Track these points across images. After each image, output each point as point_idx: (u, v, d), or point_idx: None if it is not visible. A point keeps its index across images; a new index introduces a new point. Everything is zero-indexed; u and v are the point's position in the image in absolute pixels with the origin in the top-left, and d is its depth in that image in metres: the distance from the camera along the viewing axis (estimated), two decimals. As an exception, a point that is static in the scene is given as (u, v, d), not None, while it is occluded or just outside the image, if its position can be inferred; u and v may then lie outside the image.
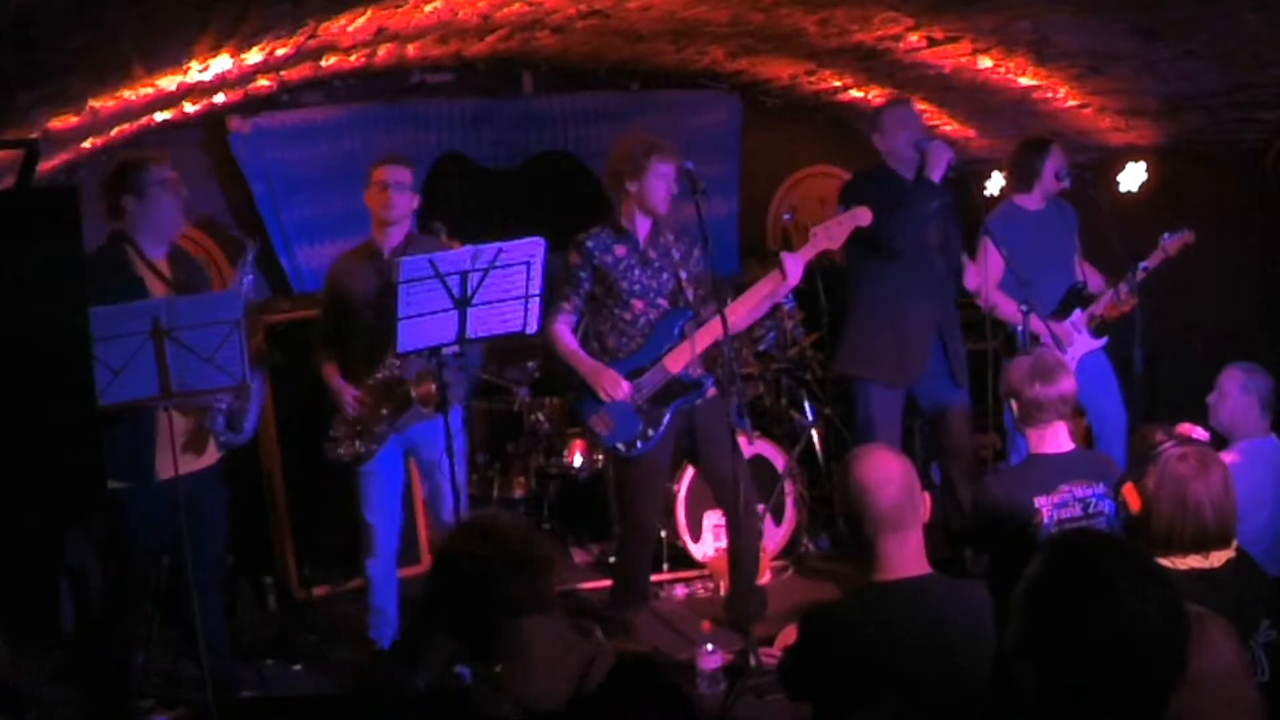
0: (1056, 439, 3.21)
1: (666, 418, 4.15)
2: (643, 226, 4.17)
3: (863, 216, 4.04)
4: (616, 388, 4.07)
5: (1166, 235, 4.43)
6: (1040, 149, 4.60)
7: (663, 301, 4.16)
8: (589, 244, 4.14)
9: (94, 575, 4.03)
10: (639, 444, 4.13)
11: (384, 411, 3.99)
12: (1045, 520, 3.02)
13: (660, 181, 4.05)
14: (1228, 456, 3.36)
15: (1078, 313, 4.55)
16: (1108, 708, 1.59)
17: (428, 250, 3.69)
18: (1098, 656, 1.58)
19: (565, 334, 4.19)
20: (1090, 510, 3.05)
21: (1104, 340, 4.58)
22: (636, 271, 4.13)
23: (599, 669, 1.92)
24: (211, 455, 3.76)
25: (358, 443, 4.02)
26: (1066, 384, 3.20)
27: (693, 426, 4.24)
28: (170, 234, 3.71)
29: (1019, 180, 4.67)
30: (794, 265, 4.04)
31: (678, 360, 4.10)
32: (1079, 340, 4.53)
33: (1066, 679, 1.60)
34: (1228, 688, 1.74)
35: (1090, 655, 1.58)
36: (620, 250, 4.14)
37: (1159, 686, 1.60)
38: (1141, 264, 4.43)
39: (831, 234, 4.05)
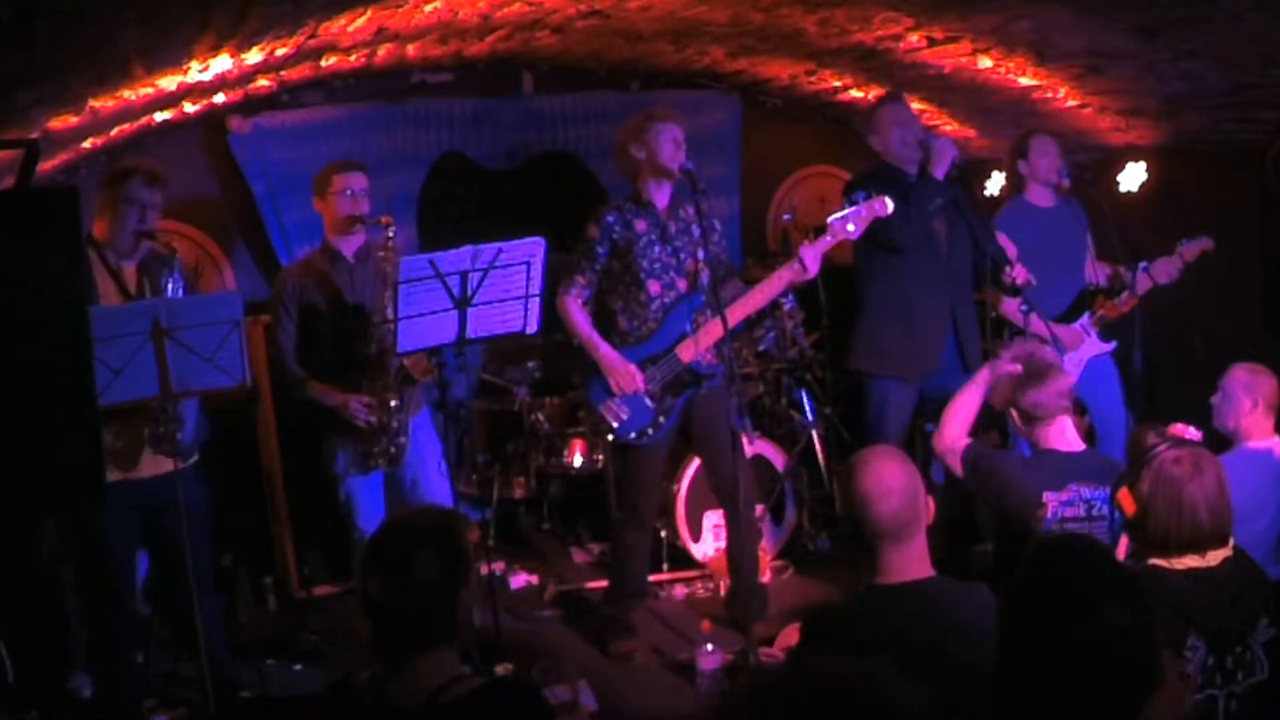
0: (1065, 435, 3.21)
1: (678, 407, 4.14)
2: (661, 198, 4.12)
3: (882, 206, 4.00)
4: (632, 383, 4.05)
5: (1184, 241, 4.41)
6: (1017, 148, 4.62)
7: (681, 283, 4.13)
8: (609, 218, 4.09)
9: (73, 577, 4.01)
10: (650, 433, 4.12)
11: (394, 402, 3.97)
12: (1049, 515, 3.02)
13: (665, 140, 4.01)
14: (1230, 458, 3.36)
15: (1086, 315, 4.54)
16: (1078, 714, 1.61)
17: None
18: (1067, 664, 1.61)
19: (579, 313, 4.13)
20: (1094, 513, 3.05)
21: (1113, 345, 4.58)
22: (656, 249, 4.09)
23: (461, 686, 1.96)
24: (167, 463, 3.58)
25: (391, 447, 3.99)
26: (1061, 382, 3.20)
27: (691, 419, 4.22)
28: (127, 250, 3.60)
29: (1013, 184, 4.69)
30: (812, 258, 4.01)
31: (689, 351, 4.08)
32: (1088, 343, 4.52)
33: (1038, 684, 1.63)
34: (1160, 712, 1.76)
35: (1059, 662, 1.61)
36: (641, 225, 4.09)
37: (1129, 695, 1.62)
38: (1141, 264, 4.43)
39: (849, 224, 4.01)
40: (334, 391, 4.00)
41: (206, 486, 3.84)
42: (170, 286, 3.57)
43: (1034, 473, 3.14)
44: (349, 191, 4.05)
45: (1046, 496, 3.04)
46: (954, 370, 4.37)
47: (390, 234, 3.94)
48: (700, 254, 4.09)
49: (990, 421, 4.90)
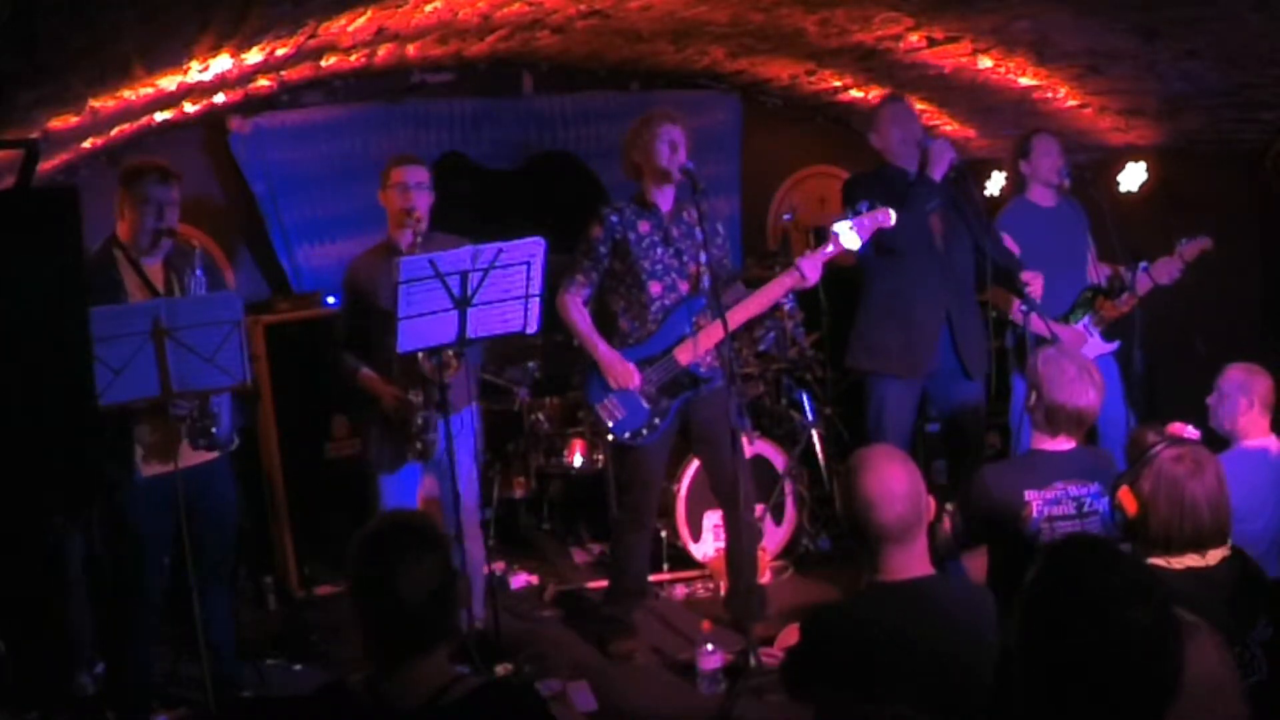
0: (1058, 439, 3.20)
1: (674, 409, 4.14)
2: (664, 201, 4.13)
3: (885, 218, 4.00)
4: (630, 380, 4.06)
5: (1183, 240, 4.41)
6: (1019, 147, 4.60)
7: (683, 285, 4.13)
8: (612, 218, 4.09)
9: (75, 575, 4.01)
10: (645, 433, 4.12)
11: (415, 400, 3.98)
12: (1034, 514, 3.01)
13: (661, 142, 4.01)
14: (1228, 458, 3.36)
15: (1088, 315, 4.54)
16: (1101, 716, 1.60)
17: (443, 248, 3.69)
18: (1089, 666, 1.60)
19: (580, 310, 4.14)
20: (1085, 509, 3.04)
21: (1115, 344, 4.57)
22: (659, 250, 4.09)
23: (460, 688, 1.97)
24: (205, 453, 3.67)
25: (418, 443, 4.00)
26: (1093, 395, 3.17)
27: (691, 420, 4.22)
28: (149, 248, 3.63)
29: (1015, 183, 4.69)
30: (811, 267, 4.01)
31: (687, 353, 4.08)
32: (1091, 343, 4.52)
33: (1060, 686, 1.62)
34: (1215, 698, 1.74)
35: (1082, 664, 1.60)
36: (644, 226, 4.10)
37: (1151, 696, 1.61)
38: (1141, 264, 4.43)
39: (851, 234, 3.99)
40: (381, 382, 4.04)
41: (238, 482, 3.87)
42: (193, 284, 3.60)
43: (1014, 473, 3.12)
44: (403, 184, 4.06)
45: (1029, 495, 3.02)
46: (955, 376, 4.37)
47: (420, 228, 3.97)
48: (702, 257, 4.09)
49: (990, 422, 4.92)
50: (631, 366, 4.06)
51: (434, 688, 1.95)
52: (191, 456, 3.61)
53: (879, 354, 4.37)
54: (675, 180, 4.07)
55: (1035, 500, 3.03)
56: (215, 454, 3.68)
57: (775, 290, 4.09)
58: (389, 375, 4.04)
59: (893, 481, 2.31)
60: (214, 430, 3.58)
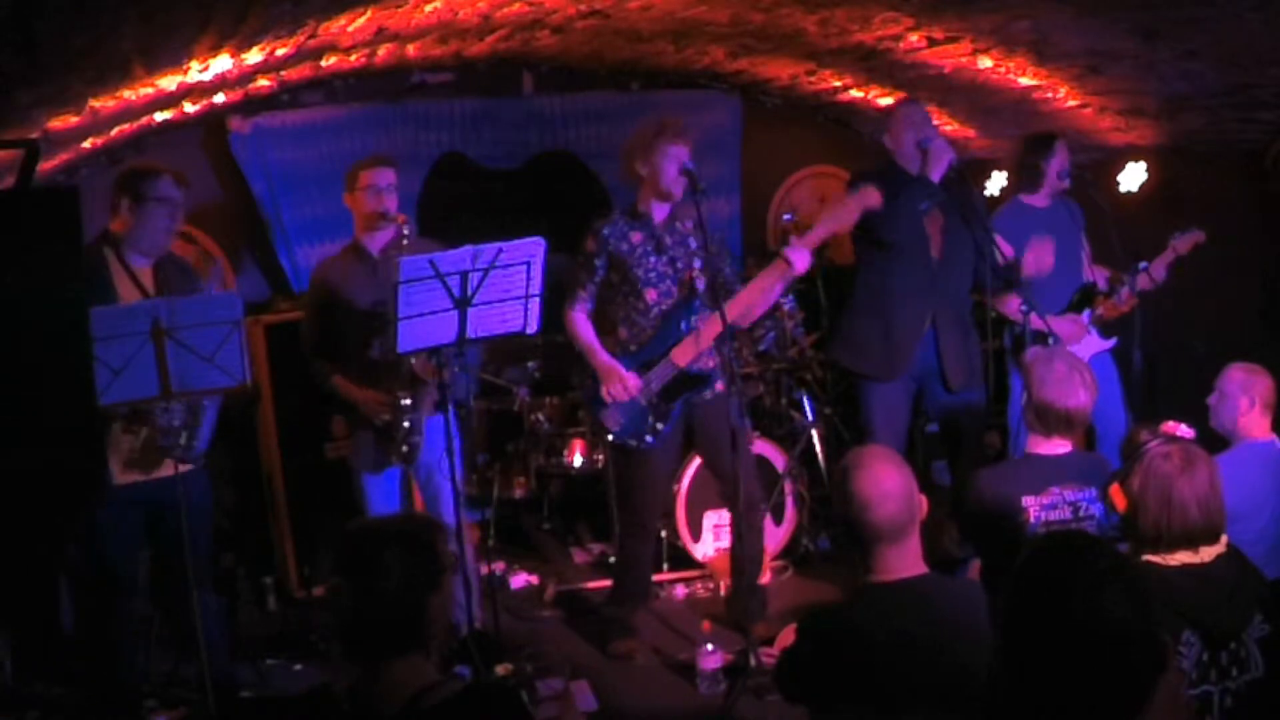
0: (1053, 441, 3.20)
1: (675, 412, 4.15)
2: (659, 212, 4.14)
3: (871, 197, 3.99)
4: (624, 390, 4.07)
5: (1176, 234, 4.43)
6: (1045, 147, 4.57)
7: (677, 291, 4.14)
8: (605, 231, 4.11)
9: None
10: (648, 438, 4.12)
11: (405, 401, 3.98)
12: (1031, 520, 3.01)
13: (670, 163, 4.01)
14: (1229, 456, 3.36)
15: (1086, 313, 4.55)
16: (1082, 708, 1.62)
17: (420, 250, 3.68)
18: (1066, 658, 1.62)
19: (584, 324, 4.17)
20: (1081, 514, 3.03)
21: (1113, 341, 4.58)
22: (652, 259, 4.11)
23: (439, 692, 1.97)
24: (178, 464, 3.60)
25: (405, 446, 4.00)
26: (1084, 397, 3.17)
27: (694, 423, 4.23)
28: (154, 250, 3.62)
29: (1024, 180, 4.64)
30: (799, 255, 4.01)
31: (685, 353, 4.09)
32: (1088, 341, 4.52)
33: (1042, 678, 1.64)
34: (1166, 703, 1.76)
35: (1063, 654, 1.62)
36: (636, 237, 4.12)
37: (1135, 684, 1.63)
38: (1141, 264, 4.43)
39: (838, 216, 4.02)
40: (355, 387, 4.05)
41: (213, 483, 3.83)
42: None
43: (1010, 479, 3.12)
44: (374, 187, 4.06)
45: (1025, 501, 3.02)
46: (934, 380, 4.37)
47: (405, 231, 3.96)
48: (696, 263, 4.10)
49: (990, 423, 4.93)
50: (630, 377, 4.08)
51: (413, 692, 1.96)
52: (166, 465, 3.56)
53: (858, 352, 4.39)
54: (676, 200, 4.08)
55: (1032, 506, 3.02)
56: (182, 467, 3.56)
57: (765, 280, 4.08)
58: (363, 378, 4.03)
59: (885, 481, 2.31)
60: (194, 443, 3.54)
